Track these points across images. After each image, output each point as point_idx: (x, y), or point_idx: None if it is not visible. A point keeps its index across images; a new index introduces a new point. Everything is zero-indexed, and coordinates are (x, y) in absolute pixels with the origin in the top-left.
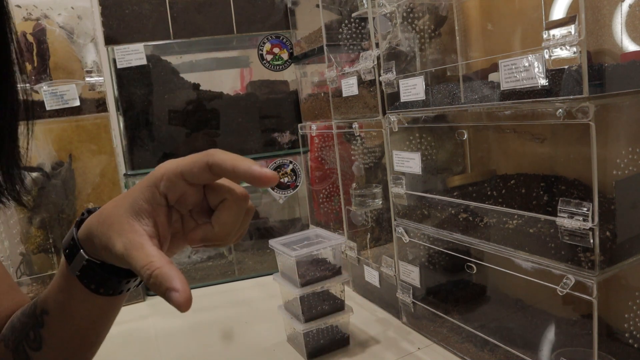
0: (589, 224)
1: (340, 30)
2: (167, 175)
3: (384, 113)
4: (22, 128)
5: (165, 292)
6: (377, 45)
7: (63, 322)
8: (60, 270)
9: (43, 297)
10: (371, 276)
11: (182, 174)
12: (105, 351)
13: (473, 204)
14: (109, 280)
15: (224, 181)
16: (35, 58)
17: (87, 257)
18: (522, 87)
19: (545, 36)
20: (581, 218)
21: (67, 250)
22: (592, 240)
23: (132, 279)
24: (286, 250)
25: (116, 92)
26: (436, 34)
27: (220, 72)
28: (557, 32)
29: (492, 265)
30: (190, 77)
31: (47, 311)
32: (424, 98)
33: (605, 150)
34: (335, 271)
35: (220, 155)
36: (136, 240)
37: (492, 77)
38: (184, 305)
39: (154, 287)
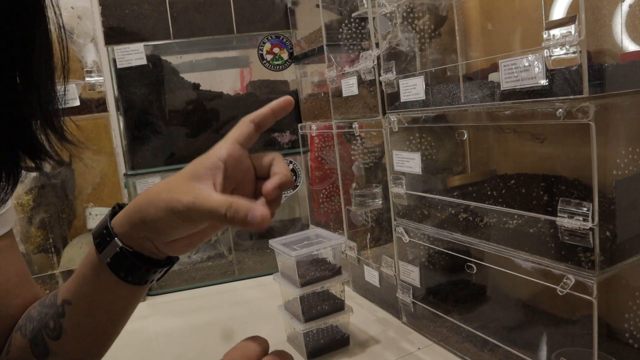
0: (589, 224)
1: (340, 30)
2: (228, 149)
3: (384, 113)
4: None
5: (246, 216)
6: (377, 45)
7: (86, 312)
8: (87, 261)
9: (65, 288)
10: (371, 276)
11: (237, 140)
12: None
13: (473, 204)
14: (139, 269)
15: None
16: None
17: (121, 244)
18: (522, 87)
19: (545, 36)
20: (581, 218)
21: (98, 239)
22: (592, 240)
23: (158, 269)
24: (286, 250)
25: (116, 92)
26: (436, 34)
27: (220, 72)
28: (557, 32)
29: (492, 265)
30: (190, 77)
31: (69, 301)
32: (424, 98)
33: (605, 150)
34: (335, 271)
35: (252, 115)
36: (204, 190)
37: (492, 77)
38: (267, 219)
39: (233, 218)
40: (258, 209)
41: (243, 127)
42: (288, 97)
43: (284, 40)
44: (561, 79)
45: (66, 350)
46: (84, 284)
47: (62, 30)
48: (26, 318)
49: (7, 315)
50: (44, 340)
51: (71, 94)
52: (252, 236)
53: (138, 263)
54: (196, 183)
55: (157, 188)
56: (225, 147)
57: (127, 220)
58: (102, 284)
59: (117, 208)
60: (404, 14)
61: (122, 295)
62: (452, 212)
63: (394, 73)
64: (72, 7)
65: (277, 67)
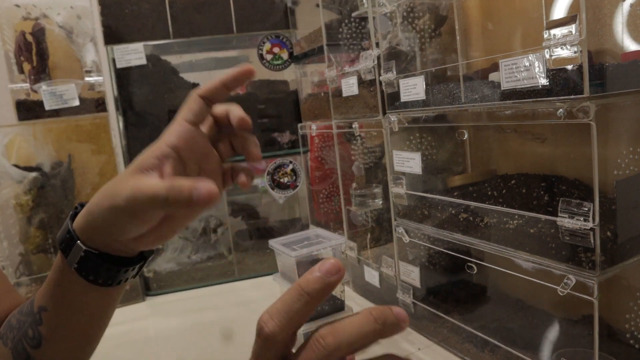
0: (590, 224)
1: (340, 30)
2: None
3: (384, 113)
4: None
5: (190, 195)
6: (377, 45)
7: (62, 317)
8: (56, 266)
9: (40, 294)
10: (371, 276)
11: (186, 119)
12: (105, 351)
13: (473, 204)
14: (108, 270)
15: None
16: (34, 58)
17: (85, 247)
18: (523, 86)
19: (545, 36)
20: (582, 218)
21: (62, 244)
22: (592, 241)
23: (130, 267)
24: (286, 250)
25: (116, 92)
26: (436, 34)
27: (220, 72)
28: (557, 32)
29: (492, 265)
30: (190, 77)
31: (45, 308)
32: (424, 98)
33: (606, 150)
34: None
35: (201, 88)
36: (145, 180)
37: (492, 76)
38: (214, 194)
39: (177, 200)
40: (202, 185)
41: (192, 104)
42: (246, 66)
43: (284, 40)
44: (562, 79)
45: (48, 357)
46: (56, 288)
47: None
48: (7, 327)
49: None
50: (25, 350)
51: (70, 94)
52: (251, 236)
53: (106, 265)
54: (140, 175)
55: (105, 187)
56: (174, 131)
57: (85, 224)
58: (74, 288)
59: (79, 208)
60: (404, 14)
61: (96, 298)
62: (453, 212)
63: (394, 73)
64: (72, 7)
65: (277, 67)
